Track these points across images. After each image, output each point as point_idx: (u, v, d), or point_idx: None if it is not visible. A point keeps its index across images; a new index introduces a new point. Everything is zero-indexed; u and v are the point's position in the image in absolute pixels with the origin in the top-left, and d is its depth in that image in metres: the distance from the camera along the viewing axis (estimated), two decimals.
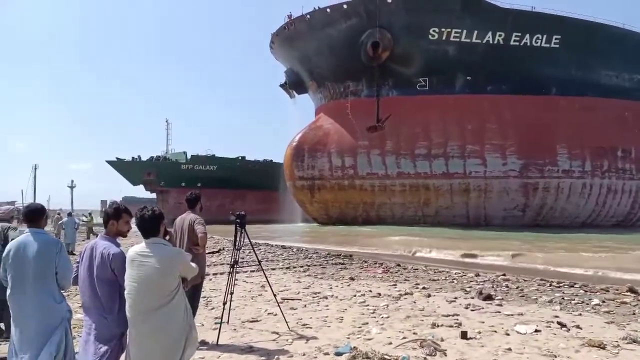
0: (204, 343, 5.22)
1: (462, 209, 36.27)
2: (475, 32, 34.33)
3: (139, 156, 64.77)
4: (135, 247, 3.11)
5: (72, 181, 78.64)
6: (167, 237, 3.26)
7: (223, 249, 17.34)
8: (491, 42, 34.64)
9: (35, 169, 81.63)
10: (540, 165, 35.72)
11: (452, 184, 35.82)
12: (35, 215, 3.61)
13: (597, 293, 8.82)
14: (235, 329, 6.00)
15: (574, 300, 8.10)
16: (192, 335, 3.15)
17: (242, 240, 5.89)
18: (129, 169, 63.31)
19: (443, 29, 34.28)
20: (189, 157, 64.02)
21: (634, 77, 38.40)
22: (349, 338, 5.58)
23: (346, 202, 37.18)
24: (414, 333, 5.75)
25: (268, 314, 6.89)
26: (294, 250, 17.62)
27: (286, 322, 6.04)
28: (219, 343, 5.31)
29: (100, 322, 3.20)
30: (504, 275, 11.03)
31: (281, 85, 46.27)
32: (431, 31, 34.34)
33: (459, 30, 34.28)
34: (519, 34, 34.62)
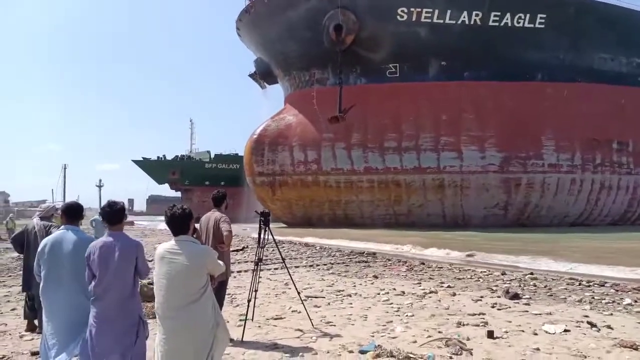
0: (229, 340, 4.92)
1: (437, 207, 33.06)
2: (449, 11, 30.99)
3: (164, 155, 67.31)
4: (165, 244, 3.19)
5: (100, 180, 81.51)
6: (195, 235, 3.31)
7: (247, 246, 17.39)
8: (467, 22, 31.23)
9: (65, 168, 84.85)
10: (523, 158, 32.27)
11: (425, 179, 32.61)
12: (73, 213, 3.80)
13: (629, 292, 8.49)
14: (259, 326, 6.04)
15: (604, 299, 7.87)
16: (220, 332, 3.21)
17: (267, 238, 5.95)
18: (154, 168, 65.26)
19: (412, 9, 31.03)
20: (212, 156, 65.99)
21: (632, 60, 34.52)
22: (373, 336, 5.53)
23: (310, 200, 34.28)
24: (439, 332, 5.69)
25: (292, 311, 6.90)
26: (317, 248, 17.75)
27: (310, 320, 6.01)
28: (244, 340, 5.36)
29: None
30: (531, 274, 10.82)
31: (250, 75, 43.58)
32: (399, 11, 31.13)
33: (430, 10, 30.98)
34: (498, 14, 31.16)
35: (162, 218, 3.19)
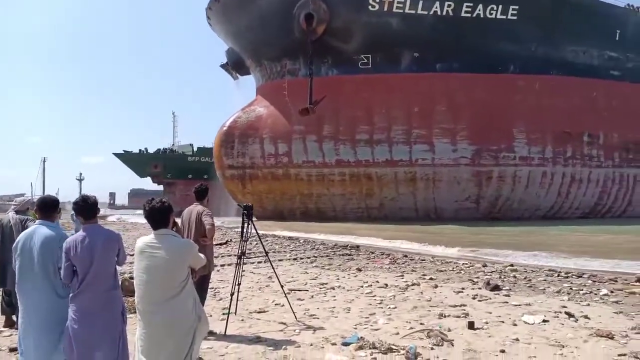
0: (211, 333, 5.15)
1: (409, 200, 32.76)
2: (421, 2, 30.45)
3: (146, 149, 66.80)
4: (145, 238, 3.15)
5: (81, 174, 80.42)
6: (174, 229, 3.28)
7: (230, 240, 17.19)
8: (439, 13, 30.76)
9: (44, 161, 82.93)
10: (495, 151, 32.09)
11: (397, 172, 32.23)
12: (47, 208, 3.69)
13: (606, 283, 8.74)
14: (242, 320, 6.04)
15: (582, 290, 8.06)
16: (201, 325, 3.19)
17: (250, 231, 5.90)
18: (135, 161, 64.42)
19: None
20: (195, 149, 65.11)
21: (604, 53, 34.51)
22: (356, 328, 5.60)
23: (281, 194, 33.68)
24: (421, 323, 5.77)
25: (275, 304, 6.91)
26: (301, 241, 17.59)
27: (293, 313, 6.04)
28: (227, 333, 5.31)
29: None
30: (511, 266, 11.03)
31: (222, 66, 42.50)
32: (371, 1, 30.48)
33: (402, 0, 30.41)
34: (471, 4, 30.74)
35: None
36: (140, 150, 66.03)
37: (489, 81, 31.77)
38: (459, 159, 31.97)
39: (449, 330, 5.40)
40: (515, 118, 32.28)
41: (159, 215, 3.11)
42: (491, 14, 31.09)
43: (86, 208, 3.35)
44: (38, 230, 3.53)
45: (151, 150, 66.69)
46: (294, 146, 32.93)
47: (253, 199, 34.81)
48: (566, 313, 6.22)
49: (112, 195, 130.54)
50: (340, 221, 30.76)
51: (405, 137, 32.15)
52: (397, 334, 5.32)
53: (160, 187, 68.19)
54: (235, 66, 41.53)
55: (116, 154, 64.55)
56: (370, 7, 30.62)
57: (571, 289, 8.22)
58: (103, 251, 3.22)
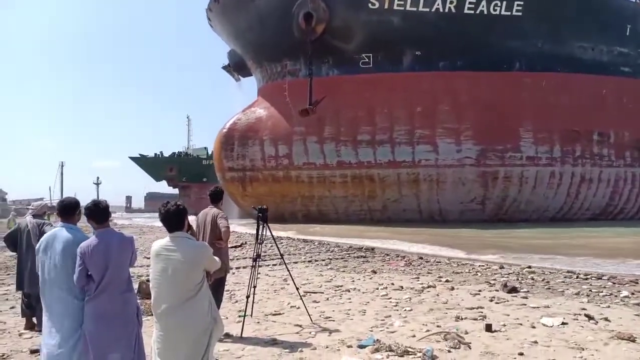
0: (228, 336, 5.26)
1: (412, 202, 31.97)
2: None
3: (161, 152, 67.90)
4: (160, 241, 3.19)
5: (98, 178, 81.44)
6: (189, 232, 3.31)
7: (245, 242, 17.20)
8: (441, 10, 30.01)
9: (62, 166, 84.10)
10: (500, 151, 31.16)
11: (400, 173, 31.48)
12: (67, 210, 3.68)
13: (626, 285, 8.59)
14: (258, 322, 6.07)
15: (601, 292, 7.92)
16: (217, 327, 3.22)
17: (264, 233, 6.00)
18: (151, 165, 65.52)
19: None
20: (210, 152, 65.31)
21: (613, 49, 33.37)
22: (371, 331, 5.56)
23: (282, 196, 33.11)
24: (438, 326, 5.69)
25: (291, 307, 6.91)
26: (316, 243, 17.55)
27: (309, 315, 6.05)
28: (243, 336, 5.34)
29: None
30: (529, 267, 10.83)
31: (224, 67, 42.11)
32: None
33: None
34: (474, 1, 29.93)
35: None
36: (155, 154, 67.23)
37: (494, 79, 30.88)
38: (463, 160, 31.11)
39: (466, 332, 5.33)
40: (521, 117, 31.33)
41: (175, 219, 3.15)
42: (495, 10, 30.25)
43: (98, 212, 3.40)
44: (59, 233, 3.54)
45: (166, 154, 67.65)
46: (295, 148, 32.37)
47: (253, 201, 34.32)
48: (586, 315, 6.10)
49: (129, 199, 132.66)
50: (342, 223, 30.12)
51: (408, 137, 31.40)
52: (414, 336, 5.28)
53: (176, 191, 68.72)
54: (237, 67, 41.17)
55: (132, 158, 65.81)
56: (370, 5, 29.98)
57: (590, 290, 8.08)
58: (118, 255, 3.30)
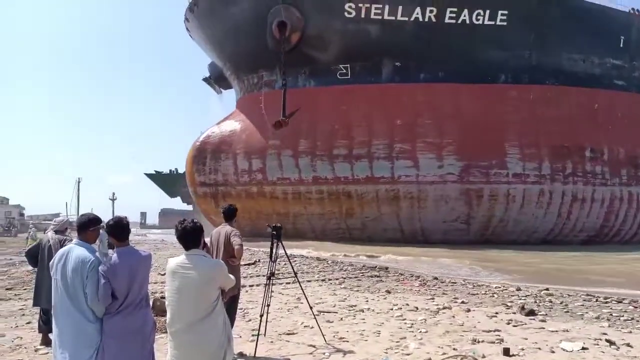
0: (241, 355, 5.30)
1: (392, 220, 30.16)
2: (400, 7, 28.45)
3: (176, 169, 66.67)
4: (176, 259, 3.25)
5: (114, 194, 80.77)
6: (204, 249, 3.39)
7: (259, 260, 17.02)
8: (421, 19, 28.67)
9: (79, 182, 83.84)
10: (485, 167, 29.39)
11: (378, 190, 29.76)
12: (82, 227, 3.63)
13: None
14: (272, 341, 6.02)
15: (622, 316, 7.79)
16: (230, 347, 3.24)
17: (278, 251, 6.10)
18: (166, 181, 65.93)
19: (361, 4, 28.50)
20: None
21: (606, 61, 31.72)
22: (386, 352, 5.50)
23: (257, 213, 31.45)
24: (454, 349, 5.63)
25: (304, 326, 6.88)
26: (329, 262, 17.46)
27: (323, 335, 6.00)
28: (257, 355, 5.31)
29: None
30: (546, 290, 10.69)
31: (205, 80, 41.02)
32: (347, 7, 28.62)
33: (380, 6, 28.45)
34: (455, 10, 28.57)
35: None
36: (170, 170, 67.35)
37: (478, 92, 29.34)
38: (445, 176, 29.35)
39: (484, 356, 5.26)
40: (507, 131, 29.64)
41: (191, 236, 3.19)
42: (478, 19, 28.85)
43: (119, 229, 3.39)
44: (72, 250, 3.46)
45: (181, 171, 68.08)
46: (268, 162, 30.86)
47: None
48: (607, 340, 5.98)
49: (143, 215, 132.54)
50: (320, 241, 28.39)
51: (387, 152, 29.76)
52: (430, 359, 5.21)
53: (190, 207, 67.99)
54: (217, 79, 40.08)
55: (147, 174, 66.72)
56: (346, 13, 28.74)
57: (611, 314, 7.95)
58: (139, 272, 3.32)
